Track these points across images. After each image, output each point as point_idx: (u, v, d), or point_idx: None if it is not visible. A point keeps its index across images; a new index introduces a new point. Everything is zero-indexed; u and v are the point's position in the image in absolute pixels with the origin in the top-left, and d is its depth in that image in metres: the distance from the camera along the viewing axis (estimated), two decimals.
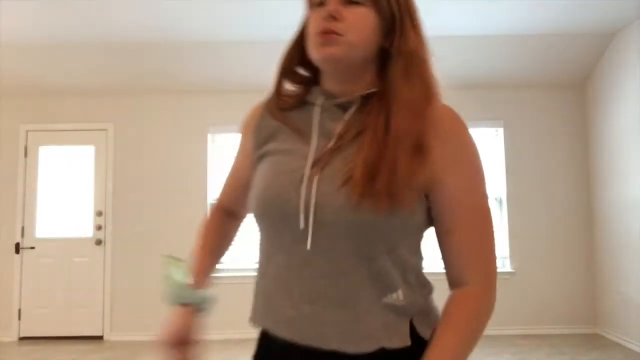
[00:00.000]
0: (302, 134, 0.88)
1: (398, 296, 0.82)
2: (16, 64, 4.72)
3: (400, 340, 0.82)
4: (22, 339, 4.90)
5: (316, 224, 0.80)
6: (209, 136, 5.10)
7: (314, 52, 0.85)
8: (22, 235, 5.01)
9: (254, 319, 0.90)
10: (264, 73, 4.78)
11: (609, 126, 4.59)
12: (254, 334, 0.97)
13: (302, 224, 0.81)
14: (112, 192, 5.04)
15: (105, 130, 5.12)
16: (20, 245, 4.99)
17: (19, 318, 4.93)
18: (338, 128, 0.86)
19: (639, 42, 4.12)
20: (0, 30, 4.18)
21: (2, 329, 4.91)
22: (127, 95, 5.13)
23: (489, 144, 5.04)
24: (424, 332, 0.85)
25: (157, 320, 5.26)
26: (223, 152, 5.15)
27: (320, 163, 0.83)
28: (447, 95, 0.89)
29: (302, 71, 0.94)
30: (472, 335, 0.82)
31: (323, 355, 0.81)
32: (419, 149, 0.80)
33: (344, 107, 0.88)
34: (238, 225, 1.11)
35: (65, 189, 5.09)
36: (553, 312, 4.82)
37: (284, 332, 0.84)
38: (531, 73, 4.88)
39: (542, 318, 4.80)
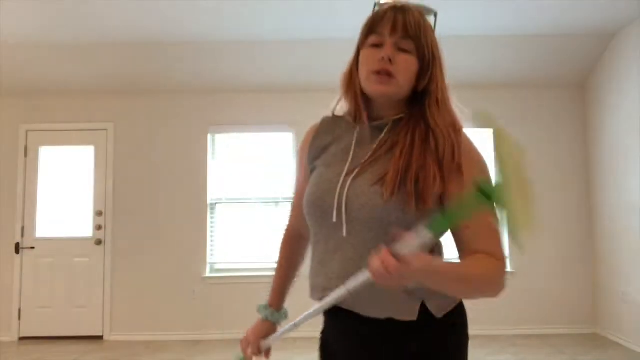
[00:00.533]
0: (344, 150, 1.12)
1: None
2: (16, 64, 4.72)
3: (408, 314, 1.01)
4: (22, 339, 4.91)
5: (346, 217, 1.02)
6: (209, 136, 5.10)
7: (369, 87, 1.07)
8: (22, 235, 5.01)
9: (310, 291, 1.12)
10: (263, 73, 4.81)
11: (609, 126, 4.59)
12: None
13: (334, 218, 1.04)
14: (112, 192, 5.04)
15: (105, 130, 5.12)
16: (20, 245, 4.99)
17: (19, 318, 4.93)
18: (373, 146, 1.09)
19: (639, 42, 4.12)
20: (0, 30, 4.18)
21: (2, 329, 4.91)
22: (127, 95, 5.13)
23: (488, 144, 5.03)
24: (436, 311, 1.02)
25: (156, 320, 5.24)
26: (223, 152, 5.16)
27: (354, 172, 1.05)
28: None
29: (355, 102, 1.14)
30: (475, 275, 0.96)
31: (345, 313, 1.05)
32: (444, 164, 1.00)
33: (379, 129, 1.10)
34: (306, 246, 1.30)
35: (65, 189, 5.09)
36: (553, 312, 4.82)
37: (318, 298, 1.07)
38: (531, 73, 4.88)
39: (542, 318, 4.80)
